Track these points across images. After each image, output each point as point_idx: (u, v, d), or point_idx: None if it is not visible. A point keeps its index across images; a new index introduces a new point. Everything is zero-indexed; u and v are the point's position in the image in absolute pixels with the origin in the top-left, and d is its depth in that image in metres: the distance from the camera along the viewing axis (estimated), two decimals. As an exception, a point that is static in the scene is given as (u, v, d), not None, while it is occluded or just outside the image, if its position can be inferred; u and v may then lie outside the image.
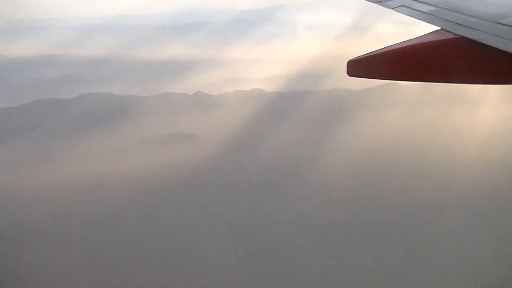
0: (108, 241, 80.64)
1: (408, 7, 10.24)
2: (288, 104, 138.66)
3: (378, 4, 11.13)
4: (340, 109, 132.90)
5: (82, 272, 74.25)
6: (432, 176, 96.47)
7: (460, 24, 8.45)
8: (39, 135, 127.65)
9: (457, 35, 8.09)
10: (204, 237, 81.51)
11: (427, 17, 9.35)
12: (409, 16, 9.96)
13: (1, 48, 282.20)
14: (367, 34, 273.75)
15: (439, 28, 8.67)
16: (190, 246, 79.25)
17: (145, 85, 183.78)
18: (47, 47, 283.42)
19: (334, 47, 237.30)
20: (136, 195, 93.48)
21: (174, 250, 78.41)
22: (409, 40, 8.34)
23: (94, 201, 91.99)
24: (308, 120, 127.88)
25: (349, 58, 8.53)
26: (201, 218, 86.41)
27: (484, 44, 7.57)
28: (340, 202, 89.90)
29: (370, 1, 11.44)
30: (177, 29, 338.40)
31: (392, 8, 10.56)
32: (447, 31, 8.38)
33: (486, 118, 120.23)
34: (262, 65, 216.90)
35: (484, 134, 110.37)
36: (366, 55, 8.43)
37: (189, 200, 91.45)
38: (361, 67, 8.43)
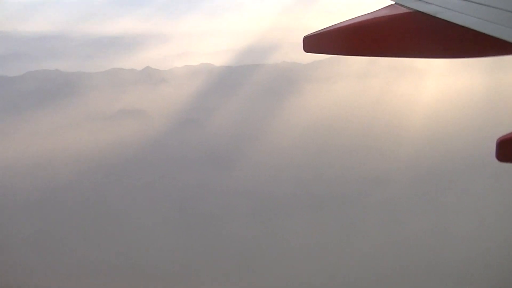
0: (52, 219, 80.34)
1: None
2: (237, 78, 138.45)
3: None
4: (288, 82, 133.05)
5: (26, 250, 74.05)
6: (377, 148, 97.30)
7: None
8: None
9: (411, 9, 8.05)
10: (147, 212, 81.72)
11: None
12: None
13: None
14: (316, 5, 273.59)
15: (393, 2, 8.63)
16: (132, 221, 79.43)
17: (93, 61, 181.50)
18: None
19: (283, 19, 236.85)
20: (82, 172, 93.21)
21: (116, 225, 78.42)
22: (364, 15, 8.28)
23: (40, 179, 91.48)
24: (256, 94, 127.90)
25: (299, 31, 8.36)
26: (145, 193, 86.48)
27: (437, 18, 7.55)
28: (285, 176, 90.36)
29: None
30: (127, 2, 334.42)
31: None
32: (401, 5, 8.34)
33: (432, 89, 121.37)
34: (212, 39, 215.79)
35: (430, 105, 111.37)
36: (322, 31, 8.36)
37: (134, 176, 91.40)
38: (317, 42, 8.38)
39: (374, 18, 8.13)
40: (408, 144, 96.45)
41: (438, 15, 7.57)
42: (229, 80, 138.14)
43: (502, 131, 6.17)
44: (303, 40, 8.33)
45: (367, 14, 8.31)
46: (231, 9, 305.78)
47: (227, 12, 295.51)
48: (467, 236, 72.81)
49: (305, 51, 8.47)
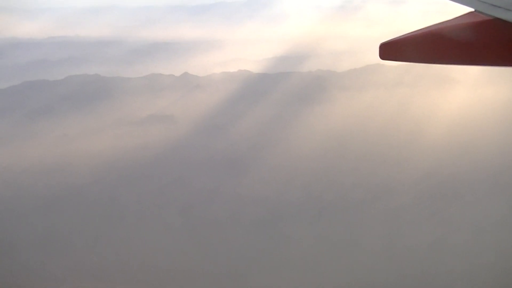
0: (61, 220, 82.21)
1: None
2: (270, 85, 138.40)
3: None
4: (318, 90, 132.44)
5: (34, 250, 76.01)
6: (394, 158, 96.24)
7: (494, 5, 8.18)
8: (20, 116, 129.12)
9: (491, 16, 7.94)
10: (153, 216, 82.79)
11: None
12: None
13: (13, 29, 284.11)
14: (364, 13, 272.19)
15: (472, 9, 8.48)
16: (137, 224, 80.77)
17: (135, 66, 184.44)
18: (58, 28, 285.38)
19: (330, 28, 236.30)
20: (96, 176, 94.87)
21: (122, 228, 79.86)
22: (442, 22, 8.25)
23: (55, 180, 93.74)
24: (285, 101, 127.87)
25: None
26: (155, 197, 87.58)
27: None
28: (295, 182, 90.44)
29: None
30: (187, 10, 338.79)
31: None
32: (481, 12, 8.21)
33: (461, 100, 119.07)
34: (260, 46, 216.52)
35: (455, 117, 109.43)
36: (400, 38, 8.28)
37: (147, 180, 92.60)
38: (394, 50, 8.29)
39: (454, 25, 8.05)
40: (425, 155, 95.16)
41: None
42: (262, 87, 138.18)
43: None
44: (380, 47, 8.23)
45: (445, 21, 8.24)
46: (290, 16, 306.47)
47: (285, 19, 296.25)
48: (467, 249, 71.77)
49: (381, 59, 8.41)
